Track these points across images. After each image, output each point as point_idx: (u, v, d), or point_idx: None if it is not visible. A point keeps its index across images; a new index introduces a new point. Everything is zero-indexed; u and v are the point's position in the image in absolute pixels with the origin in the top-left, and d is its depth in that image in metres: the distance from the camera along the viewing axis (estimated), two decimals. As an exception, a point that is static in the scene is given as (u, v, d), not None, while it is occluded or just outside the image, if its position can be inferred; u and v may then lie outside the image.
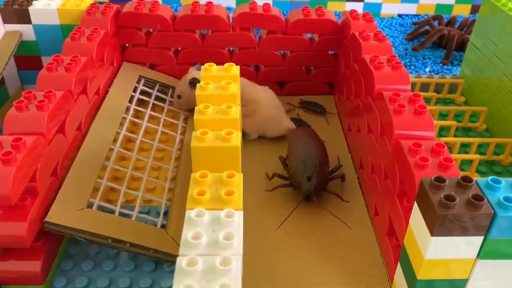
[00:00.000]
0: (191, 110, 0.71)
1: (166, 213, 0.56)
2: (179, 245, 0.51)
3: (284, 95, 0.80)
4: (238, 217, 0.35)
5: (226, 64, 0.53)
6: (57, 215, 0.47)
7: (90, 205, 0.51)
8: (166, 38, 0.75)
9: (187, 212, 0.36)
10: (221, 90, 0.49)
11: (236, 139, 0.42)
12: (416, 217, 0.40)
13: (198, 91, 0.49)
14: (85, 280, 0.49)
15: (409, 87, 0.57)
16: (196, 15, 0.73)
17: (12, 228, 0.44)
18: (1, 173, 0.41)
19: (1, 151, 0.43)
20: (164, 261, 0.51)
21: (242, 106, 0.65)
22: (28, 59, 0.77)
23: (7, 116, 0.48)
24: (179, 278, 0.30)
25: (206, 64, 0.53)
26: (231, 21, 0.76)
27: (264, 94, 0.69)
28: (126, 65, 0.76)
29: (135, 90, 0.72)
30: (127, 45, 0.79)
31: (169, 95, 0.76)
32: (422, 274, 0.40)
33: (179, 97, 0.71)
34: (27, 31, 0.75)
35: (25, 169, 0.44)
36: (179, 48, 0.78)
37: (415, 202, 0.41)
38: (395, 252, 0.48)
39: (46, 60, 0.78)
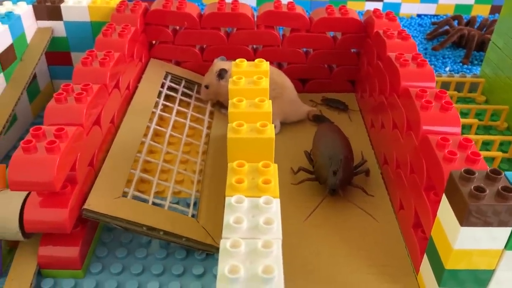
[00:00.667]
0: (219, 101, 0.75)
1: (195, 204, 0.57)
2: (209, 234, 0.53)
3: (306, 93, 0.82)
4: (276, 204, 0.37)
5: (256, 60, 0.55)
6: (95, 203, 0.49)
7: (124, 195, 0.53)
8: (192, 36, 0.77)
9: (227, 198, 0.37)
10: (253, 84, 0.51)
11: (271, 131, 0.43)
12: (445, 209, 0.42)
13: (231, 86, 0.51)
14: (119, 266, 0.51)
15: (434, 84, 0.58)
16: (222, 13, 0.75)
17: (54, 214, 0.46)
18: (47, 161, 0.43)
19: (44, 140, 0.45)
20: (195, 249, 0.52)
21: (271, 89, 0.68)
22: (58, 54, 0.80)
23: (47, 108, 0.50)
24: (224, 258, 0.32)
25: (237, 60, 0.55)
26: (255, 19, 0.77)
27: (289, 80, 0.74)
28: (153, 61, 0.78)
29: (162, 86, 0.74)
30: (153, 42, 0.81)
31: (194, 91, 0.78)
32: (450, 264, 0.42)
33: (207, 87, 0.73)
34: (58, 28, 0.77)
35: (67, 158, 0.46)
36: (204, 46, 0.80)
37: (444, 194, 0.42)
38: (421, 244, 0.49)
39: (75, 56, 0.80)
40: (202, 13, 0.77)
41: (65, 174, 0.45)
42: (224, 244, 0.33)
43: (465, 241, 0.39)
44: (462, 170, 0.40)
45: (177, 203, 0.59)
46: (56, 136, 0.46)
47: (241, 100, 0.47)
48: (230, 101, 0.48)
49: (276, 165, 0.41)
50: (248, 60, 0.78)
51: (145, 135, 0.63)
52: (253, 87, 0.50)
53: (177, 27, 0.79)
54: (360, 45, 0.78)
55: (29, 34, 0.74)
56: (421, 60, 0.60)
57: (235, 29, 0.78)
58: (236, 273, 0.31)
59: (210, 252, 0.53)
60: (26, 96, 0.73)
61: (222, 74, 0.70)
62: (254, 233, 0.34)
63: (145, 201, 0.54)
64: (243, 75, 0.52)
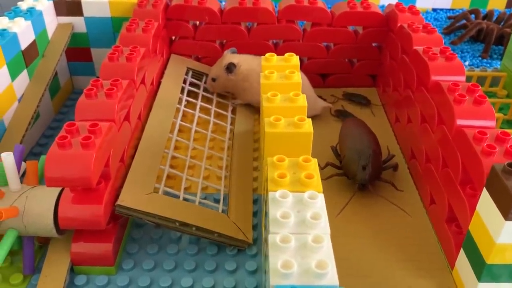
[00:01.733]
0: (227, 93, 0.75)
1: (224, 200, 0.57)
2: (241, 230, 0.53)
3: (327, 88, 0.81)
4: (321, 199, 0.36)
5: (286, 54, 0.54)
6: (128, 199, 0.49)
7: (155, 191, 0.53)
8: (213, 31, 0.77)
9: (271, 193, 0.37)
10: (284, 79, 0.50)
11: (308, 125, 0.43)
12: (486, 203, 0.41)
13: (263, 80, 0.50)
14: (151, 262, 0.51)
15: (464, 78, 0.57)
16: (244, 7, 0.75)
17: (89, 211, 0.46)
18: (83, 157, 0.43)
19: (78, 136, 0.45)
20: (226, 245, 0.52)
21: None
22: (78, 50, 0.79)
23: (79, 104, 0.50)
24: (275, 253, 0.32)
25: (267, 54, 0.54)
26: (276, 13, 0.77)
27: (304, 75, 0.72)
28: (174, 57, 0.77)
29: (184, 82, 0.74)
30: (173, 38, 0.80)
31: (203, 81, 0.78)
32: (492, 259, 0.41)
33: (213, 80, 0.72)
34: (78, 24, 0.77)
35: (102, 154, 0.45)
36: (224, 41, 0.80)
37: (484, 188, 0.42)
38: (456, 238, 0.49)
39: (95, 52, 0.80)
40: (223, 7, 0.76)
41: (100, 169, 0.45)
42: (274, 239, 0.33)
43: (509, 235, 0.39)
44: (506, 163, 0.39)
45: (205, 198, 0.59)
46: (90, 132, 0.45)
47: (275, 95, 0.47)
48: (263, 96, 0.48)
49: (316, 159, 0.41)
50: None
51: (171, 131, 0.63)
52: (285, 81, 0.50)
53: (198, 22, 0.78)
54: (382, 39, 0.78)
55: (50, 30, 0.74)
56: (450, 54, 0.59)
57: (256, 23, 0.77)
58: (289, 268, 0.30)
59: (241, 248, 0.52)
60: (47, 92, 0.73)
61: (230, 68, 0.70)
62: (302, 228, 0.34)
63: (175, 196, 0.54)
64: (273, 69, 0.52)
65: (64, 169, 0.43)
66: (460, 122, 0.50)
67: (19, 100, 0.64)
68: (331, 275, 0.30)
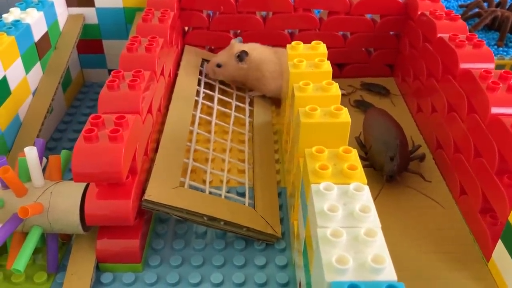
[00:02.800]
0: (233, 82, 0.72)
1: (249, 193, 0.56)
2: (268, 224, 0.51)
3: (344, 78, 0.80)
4: (367, 191, 0.35)
5: (313, 42, 0.53)
6: (155, 193, 0.47)
7: (181, 185, 0.51)
8: (229, 20, 0.75)
9: (314, 186, 0.36)
10: (314, 67, 0.49)
11: (345, 115, 0.42)
12: (529, 193, 0.40)
13: (292, 69, 0.49)
14: (178, 258, 0.49)
15: (493, 65, 0.56)
16: (260, -4, 0.73)
17: (117, 206, 0.44)
18: (112, 150, 0.41)
19: (104, 129, 0.43)
20: (254, 239, 0.51)
21: None
22: (89, 42, 0.77)
23: (101, 96, 0.48)
24: (327, 248, 0.30)
25: (293, 43, 0.53)
26: (293, 2, 0.75)
27: None
28: (188, 48, 0.76)
29: (200, 73, 0.72)
30: (186, 28, 0.78)
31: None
32: (536, 250, 0.40)
33: (219, 66, 0.69)
34: (89, 15, 0.75)
35: (130, 147, 0.44)
36: (239, 31, 0.78)
37: (528, 177, 0.41)
38: (492, 230, 0.48)
39: (107, 44, 0.78)
40: (238, -4, 0.75)
41: (129, 163, 0.44)
42: (324, 233, 0.31)
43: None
44: (553, 152, 0.38)
45: (228, 192, 0.57)
46: (117, 125, 0.44)
47: (307, 84, 0.45)
48: (294, 85, 0.46)
49: (355, 150, 0.39)
50: (284, 45, 0.77)
51: (191, 123, 0.61)
52: (316, 70, 0.48)
53: (211, 12, 0.77)
54: (400, 27, 0.76)
55: (62, 22, 0.72)
56: (477, 41, 0.58)
57: (271, 13, 0.76)
58: (345, 264, 0.29)
59: (269, 242, 0.51)
60: (60, 86, 0.71)
61: (242, 56, 0.68)
62: (351, 221, 0.33)
63: (201, 190, 0.52)
64: (299, 58, 0.50)
65: (92, 163, 0.41)
66: (494, 110, 0.48)
67: (33, 94, 0.63)
68: (389, 270, 0.29)
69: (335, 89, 0.45)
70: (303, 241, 0.39)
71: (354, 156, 0.38)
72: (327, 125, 0.41)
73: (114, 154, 0.41)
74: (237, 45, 0.69)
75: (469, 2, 1.10)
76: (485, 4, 1.03)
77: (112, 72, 0.51)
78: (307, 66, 0.49)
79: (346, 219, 0.33)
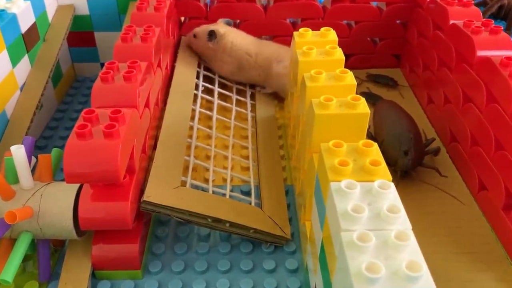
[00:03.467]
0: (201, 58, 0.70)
1: (250, 191, 0.52)
2: (277, 224, 0.48)
3: (348, 69, 0.76)
4: (393, 189, 0.32)
5: (322, 29, 0.49)
6: (155, 194, 0.43)
7: (182, 184, 0.47)
8: (227, 10, 0.71)
9: (333, 184, 0.32)
10: (325, 55, 0.45)
11: (364, 105, 0.38)
12: None
13: (301, 58, 0.45)
14: (181, 264, 0.46)
15: (512, 52, 0.53)
16: (261, -17, 0.69)
17: (114, 209, 0.40)
18: (108, 148, 0.37)
19: (98, 124, 0.39)
20: (262, 242, 0.47)
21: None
22: (80, 35, 0.73)
23: (94, 88, 0.44)
24: (354, 254, 0.27)
25: (301, 30, 0.49)
26: (295, -10, 0.71)
27: None
28: (185, 39, 0.72)
29: (199, 66, 0.68)
30: (182, 19, 0.75)
31: None
32: None
33: (194, 36, 0.68)
34: (79, 5, 0.71)
35: (127, 144, 0.40)
36: (238, 21, 0.74)
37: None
38: (517, 227, 0.45)
39: (99, 36, 0.74)
40: (237, -16, 0.71)
41: (126, 161, 0.40)
42: (350, 237, 0.28)
43: None
44: None
45: (231, 191, 0.54)
46: (112, 119, 0.40)
47: (319, 73, 0.42)
48: (305, 74, 0.42)
49: (376, 144, 0.36)
50: (286, 35, 0.73)
51: (191, 118, 0.57)
52: (327, 58, 0.44)
53: (208, 1, 0.73)
54: (408, 15, 0.73)
55: (50, 13, 0.68)
56: (494, 27, 0.54)
57: (272, 1, 0.72)
58: (376, 272, 0.26)
59: (278, 244, 0.47)
60: (50, 80, 0.67)
61: (211, 35, 0.66)
62: (378, 223, 0.29)
63: (203, 190, 0.49)
64: (309, 45, 0.46)
65: (86, 162, 0.37)
66: (519, 99, 0.45)
67: (21, 89, 0.58)
68: (426, 278, 0.26)
69: (350, 78, 0.41)
70: (320, 244, 0.36)
71: (375, 150, 0.35)
72: (344, 117, 0.37)
73: (110, 152, 0.37)
74: (217, 25, 0.67)
75: (472, -9, 1.06)
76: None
77: (105, 63, 0.47)
78: (317, 54, 0.45)
79: (372, 220, 0.29)
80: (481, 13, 0.60)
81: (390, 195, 0.31)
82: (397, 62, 0.77)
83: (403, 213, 0.30)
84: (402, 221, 0.29)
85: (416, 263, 0.26)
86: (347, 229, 0.29)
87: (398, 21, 0.74)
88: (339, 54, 0.45)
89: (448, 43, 0.59)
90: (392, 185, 0.32)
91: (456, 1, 0.62)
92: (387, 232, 0.28)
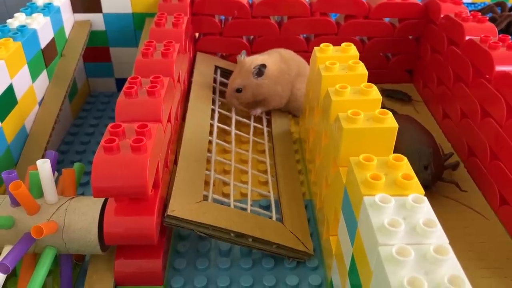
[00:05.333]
0: (252, 103, 0.64)
1: (274, 207, 0.52)
2: (299, 239, 0.48)
3: (361, 84, 0.76)
4: (427, 203, 0.32)
5: (343, 44, 0.50)
6: (179, 209, 0.43)
7: (204, 199, 0.47)
8: (243, 26, 0.72)
9: (367, 198, 0.32)
10: (348, 70, 0.45)
11: (391, 119, 0.38)
12: None
13: (324, 72, 0.45)
14: (203, 279, 0.45)
15: (530, 67, 0.53)
16: (276, 0, 0.70)
17: (140, 223, 0.40)
18: (137, 162, 0.37)
19: (124, 139, 0.40)
20: (284, 257, 0.47)
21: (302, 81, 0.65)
22: (95, 50, 0.74)
23: (119, 103, 0.44)
24: (393, 269, 0.27)
25: (322, 45, 0.50)
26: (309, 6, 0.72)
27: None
28: (200, 55, 0.72)
29: (214, 81, 0.69)
30: (196, 35, 0.75)
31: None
32: None
33: (239, 90, 0.62)
34: (96, 21, 0.71)
35: (154, 158, 0.40)
36: (252, 37, 0.75)
37: None
38: (542, 242, 0.44)
39: (114, 52, 0.74)
40: (251, 1, 0.72)
41: (153, 176, 0.40)
42: (388, 252, 0.28)
43: None
44: None
45: (251, 205, 0.53)
46: (139, 134, 0.40)
47: (344, 87, 0.42)
48: (330, 89, 0.43)
49: (406, 158, 0.36)
50: (300, 50, 0.74)
51: (210, 133, 0.57)
52: (350, 72, 0.45)
53: (223, 17, 0.73)
54: (420, 31, 0.73)
55: (68, 28, 0.68)
56: (511, 42, 0.55)
57: (286, 17, 0.73)
58: (418, 287, 0.25)
59: (300, 260, 0.47)
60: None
61: (261, 70, 0.60)
62: (415, 237, 0.29)
63: (225, 204, 0.48)
64: (333, 60, 0.47)
65: (115, 177, 0.37)
66: (541, 114, 0.45)
67: (40, 104, 0.59)
68: (469, 294, 0.25)
69: (375, 93, 0.42)
70: (349, 260, 0.36)
71: (406, 164, 0.35)
72: (372, 131, 0.38)
73: (138, 166, 0.37)
74: (248, 61, 0.62)
75: (480, 7, 1.08)
76: (498, 9, 1.01)
77: (128, 78, 0.47)
78: (340, 69, 0.45)
79: (409, 235, 0.29)
80: (496, 29, 0.61)
81: (424, 209, 0.31)
82: (410, 78, 0.78)
83: (439, 227, 0.29)
84: (439, 235, 0.29)
85: (458, 278, 0.26)
86: (384, 244, 0.28)
87: (410, 37, 0.75)
88: (362, 69, 0.45)
89: (464, 59, 0.59)
90: (426, 199, 0.32)
91: (471, 17, 0.63)
92: (425, 246, 0.28)
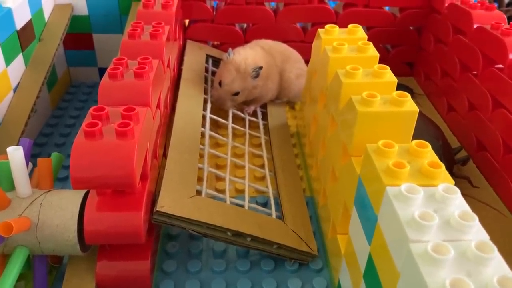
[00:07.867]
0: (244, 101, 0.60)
1: (268, 203, 0.48)
2: (302, 239, 0.43)
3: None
4: (459, 194, 0.28)
5: (350, 26, 0.46)
6: (169, 204, 0.38)
7: (198, 194, 0.43)
8: (236, 13, 0.67)
9: (390, 188, 0.28)
10: (357, 52, 0.41)
11: (411, 103, 0.34)
12: None
13: (331, 54, 0.41)
14: (195, 283, 0.41)
15: (545, 55, 0.50)
16: (272, -15, 0.66)
17: (126, 220, 0.35)
18: (123, 148, 0.33)
19: (108, 123, 0.35)
20: (286, 258, 0.43)
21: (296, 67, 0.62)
22: (77, 37, 0.69)
23: (102, 85, 0.39)
24: (430, 270, 0.23)
25: (327, 26, 0.46)
26: (306, -7, 0.68)
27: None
28: (190, 43, 0.67)
29: (206, 71, 0.64)
30: (186, 22, 0.71)
31: None
32: None
33: (237, 94, 0.57)
34: (78, 4, 0.66)
35: (142, 145, 0.35)
36: (245, 25, 0.71)
37: None
38: None
39: (98, 39, 0.69)
40: (246, -14, 0.67)
41: (141, 165, 0.35)
42: (422, 249, 0.23)
43: None
44: None
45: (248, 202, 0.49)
46: (125, 117, 0.35)
47: (356, 69, 0.38)
48: (339, 71, 0.39)
49: (429, 144, 0.32)
50: (296, 40, 0.70)
51: (202, 125, 0.53)
52: (360, 54, 0.41)
53: (215, 3, 0.69)
54: (422, 21, 0.70)
55: (47, 11, 0.63)
56: (524, 29, 0.51)
57: (282, 4, 0.69)
58: (465, 291, 0.21)
59: (303, 262, 0.43)
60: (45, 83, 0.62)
61: (258, 72, 0.56)
62: (451, 233, 0.25)
63: (221, 200, 0.44)
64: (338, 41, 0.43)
65: (97, 165, 0.32)
66: None
67: (15, 90, 0.53)
68: (524, 299, 0.21)
69: (390, 75, 0.38)
70: (366, 260, 0.31)
71: (430, 152, 0.31)
72: (390, 115, 0.33)
73: (124, 153, 0.32)
74: (239, 61, 0.56)
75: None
76: (495, 4, 0.99)
77: (113, 59, 0.42)
78: (349, 51, 0.41)
79: (443, 230, 0.25)
80: (505, 16, 0.58)
81: (457, 201, 0.27)
82: (410, 71, 0.74)
83: (477, 221, 0.25)
84: (477, 230, 0.25)
85: (509, 280, 0.22)
86: (416, 240, 0.24)
87: (411, 27, 0.72)
88: (373, 51, 0.41)
89: (473, 47, 0.56)
90: (458, 190, 0.28)
91: (479, 4, 0.60)
92: (464, 243, 0.24)
